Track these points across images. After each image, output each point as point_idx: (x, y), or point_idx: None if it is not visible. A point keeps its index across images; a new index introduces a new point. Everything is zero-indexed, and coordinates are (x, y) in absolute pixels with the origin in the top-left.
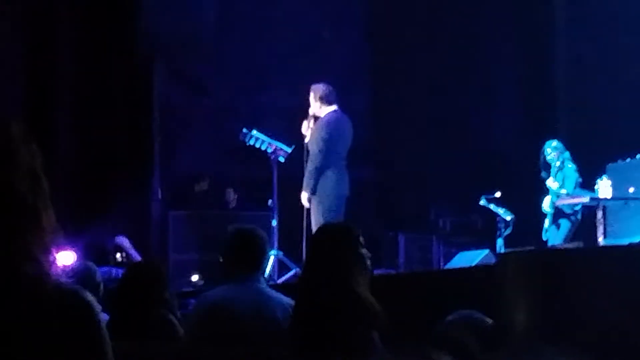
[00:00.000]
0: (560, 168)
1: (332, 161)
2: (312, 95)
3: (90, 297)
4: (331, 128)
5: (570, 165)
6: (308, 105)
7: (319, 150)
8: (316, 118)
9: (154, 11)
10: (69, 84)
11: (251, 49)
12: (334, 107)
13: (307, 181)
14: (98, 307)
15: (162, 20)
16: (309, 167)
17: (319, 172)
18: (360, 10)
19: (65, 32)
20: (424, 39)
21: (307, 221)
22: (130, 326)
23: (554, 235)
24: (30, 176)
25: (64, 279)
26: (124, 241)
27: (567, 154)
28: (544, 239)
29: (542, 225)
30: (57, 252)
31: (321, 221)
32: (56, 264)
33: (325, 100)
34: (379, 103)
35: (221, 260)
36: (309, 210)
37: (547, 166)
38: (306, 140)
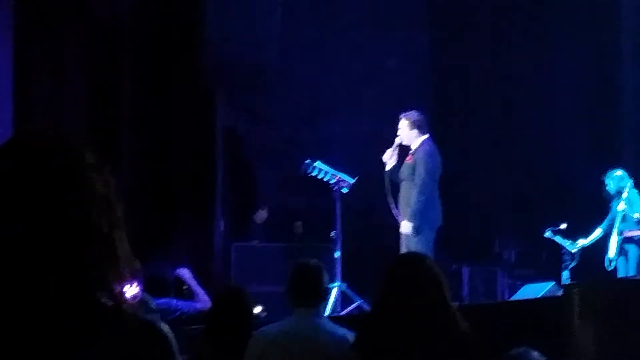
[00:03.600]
0: (621, 194)
1: (435, 191)
2: (405, 123)
3: (167, 328)
4: (435, 157)
5: (634, 191)
6: (372, 134)
7: (425, 180)
8: (402, 147)
9: (216, 43)
10: (133, 116)
11: (314, 79)
12: (427, 136)
13: (415, 211)
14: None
15: (224, 51)
16: (418, 197)
17: (426, 202)
18: (424, 37)
19: (129, 63)
20: (488, 68)
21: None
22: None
23: (623, 265)
24: (105, 205)
25: (138, 310)
26: (185, 273)
27: (629, 182)
28: (608, 268)
29: (605, 255)
30: (130, 283)
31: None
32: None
33: (420, 128)
34: (442, 133)
35: (285, 292)
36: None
37: (609, 195)
38: (387, 168)
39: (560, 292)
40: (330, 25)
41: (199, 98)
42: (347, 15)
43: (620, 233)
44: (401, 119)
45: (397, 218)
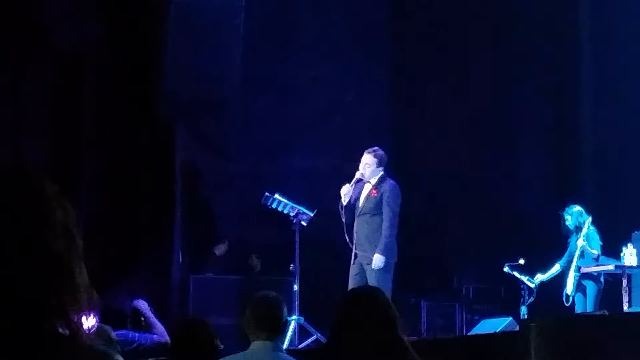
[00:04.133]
0: (580, 229)
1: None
2: (370, 158)
3: (121, 359)
4: (399, 193)
5: (592, 228)
6: (332, 168)
7: (394, 215)
8: (359, 181)
9: (175, 74)
10: (93, 148)
11: (273, 113)
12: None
13: (387, 245)
14: None
15: (184, 83)
16: (390, 231)
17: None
18: (383, 73)
19: (89, 94)
20: (447, 103)
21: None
22: None
23: (580, 301)
24: (63, 234)
25: (94, 341)
26: (142, 304)
27: (588, 218)
28: (567, 304)
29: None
30: (88, 314)
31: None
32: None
33: (383, 164)
34: (401, 168)
35: (243, 325)
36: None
37: (567, 230)
38: (345, 201)
39: (517, 328)
40: (292, 59)
41: (158, 130)
42: (309, 49)
43: (578, 269)
44: (367, 154)
45: (356, 252)
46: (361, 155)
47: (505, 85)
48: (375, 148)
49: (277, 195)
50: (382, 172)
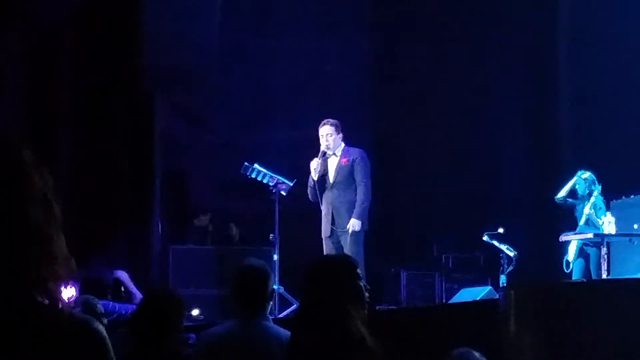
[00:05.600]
0: (589, 197)
1: None
2: (332, 130)
3: (101, 327)
4: (368, 158)
5: (601, 197)
6: (310, 140)
7: (368, 180)
8: (324, 154)
9: (155, 45)
10: (72, 117)
11: (253, 83)
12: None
13: (362, 211)
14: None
15: (163, 54)
16: (366, 198)
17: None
18: (363, 44)
19: (67, 64)
20: (428, 76)
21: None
22: (146, 357)
23: (579, 267)
24: (42, 203)
25: (74, 309)
26: (123, 275)
27: (598, 187)
28: (566, 270)
29: (560, 257)
30: (67, 284)
31: (357, 252)
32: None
33: (341, 132)
34: (381, 138)
35: (230, 295)
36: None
37: (574, 194)
38: (316, 176)
39: (497, 296)
40: (270, 30)
41: (137, 100)
42: (287, 20)
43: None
44: (326, 125)
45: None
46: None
47: (483, 59)
48: (328, 119)
49: (256, 165)
50: (341, 141)
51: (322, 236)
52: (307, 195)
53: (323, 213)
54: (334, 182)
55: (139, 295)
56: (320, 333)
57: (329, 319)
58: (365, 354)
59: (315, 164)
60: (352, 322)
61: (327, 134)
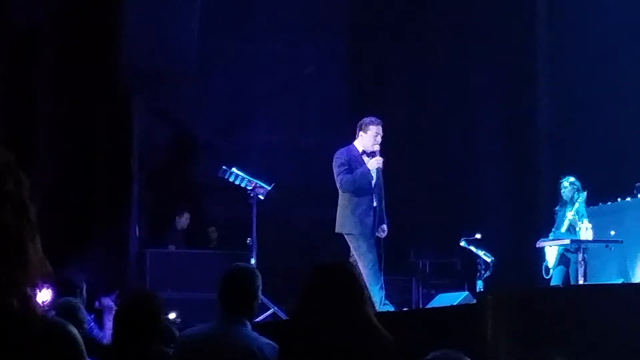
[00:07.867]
0: (573, 203)
1: None
2: (376, 130)
3: (74, 330)
4: None
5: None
6: (287, 143)
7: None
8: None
9: (134, 46)
10: (50, 119)
11: (232, 87)
12: None
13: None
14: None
15: (142, 56)
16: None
17: None
18: (343, 48)
19: (46, 67)
20: (405, 80)
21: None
22: (129, 357)
23: (560, 274)
24: (16, 206)
25: (48, 313)
26: (110, 303)
27: (583, 194)
28: (546, 276)
29: (537, 263)
30: (42, 286)
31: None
32: (37, 299)
33: None
34: None
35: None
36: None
37: (561, 200)
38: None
39: (474, 302)
40: (249, 34)
41: (116, 103)
42: (266, 25)
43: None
44: (379, 125)
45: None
46: (319, 130)
47: (464, 67)
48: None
49: (234, 169)
50: None
51: (365, 235)
52: (350, 188)
53: (371, 212)
54: (375, 185)
55: (109, 330)
56: (334, 318)
57: (345, 303)
58: (379, 340)
59: (378, 163)
60: (367, 309)
61: (379, 134)
